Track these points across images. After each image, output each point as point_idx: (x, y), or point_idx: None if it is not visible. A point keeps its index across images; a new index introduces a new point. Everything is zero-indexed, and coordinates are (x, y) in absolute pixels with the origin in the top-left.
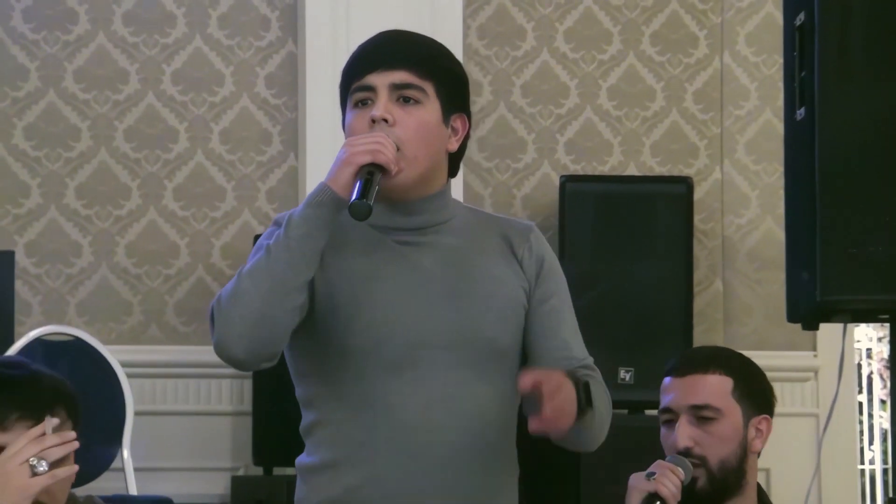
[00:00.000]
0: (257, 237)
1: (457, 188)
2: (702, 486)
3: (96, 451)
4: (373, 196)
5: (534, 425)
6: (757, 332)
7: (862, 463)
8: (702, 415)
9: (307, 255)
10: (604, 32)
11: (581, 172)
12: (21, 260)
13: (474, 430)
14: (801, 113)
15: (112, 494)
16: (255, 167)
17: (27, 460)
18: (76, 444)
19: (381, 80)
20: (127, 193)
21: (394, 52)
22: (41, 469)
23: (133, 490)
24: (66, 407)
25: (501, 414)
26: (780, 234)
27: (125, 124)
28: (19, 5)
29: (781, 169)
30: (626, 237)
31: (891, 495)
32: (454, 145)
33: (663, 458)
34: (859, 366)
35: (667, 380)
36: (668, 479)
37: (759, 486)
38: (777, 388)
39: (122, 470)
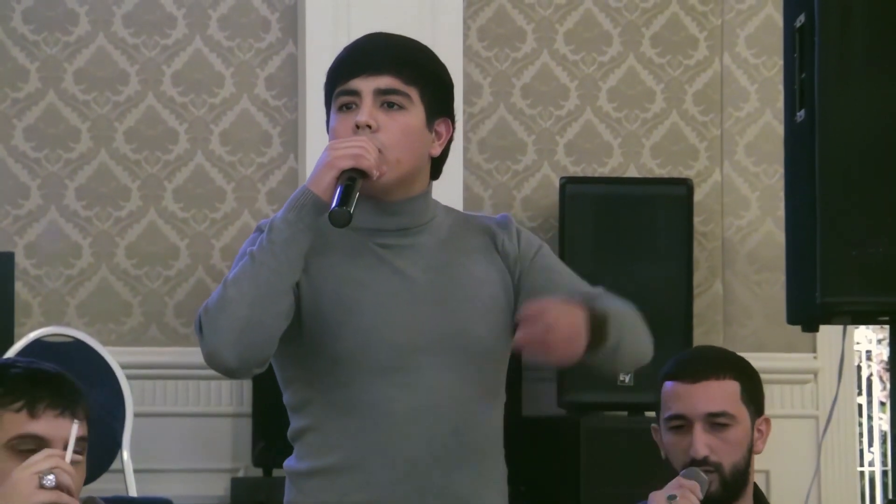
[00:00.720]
0: None
1: (456, 190)
2: (714, 491)
3: (96, 453)
4: (353, 203)
5: (524, 348)
6: (757, 334)
7: (861, 465)
8: (717, 422)
9: (291, 259)
10: (604, 34)
11: (581, 174)
12: (21, 261)
13: (463, 432)
14: (801, 115)
15: (112, 496)
16: (255, 168)
17: (37, 472)
18: (82, 478)
19: (366, 85)
20: (127, 195)
21: (379, 57)
22: (47, 483)
23: (133, 491)
24: (84, 408)
25: (489, 415)
26: (780, 236)
27: (125, 125)
28: (20, 6)
29: (781, 170)
30: (626, 239)
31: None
32: (437, 150)
33: (663, 461)
34: (859, 368)
35: (672, 385)
36: (690, 501)
37: (755, 485)
38: (777, 389)
39: (122, 471)
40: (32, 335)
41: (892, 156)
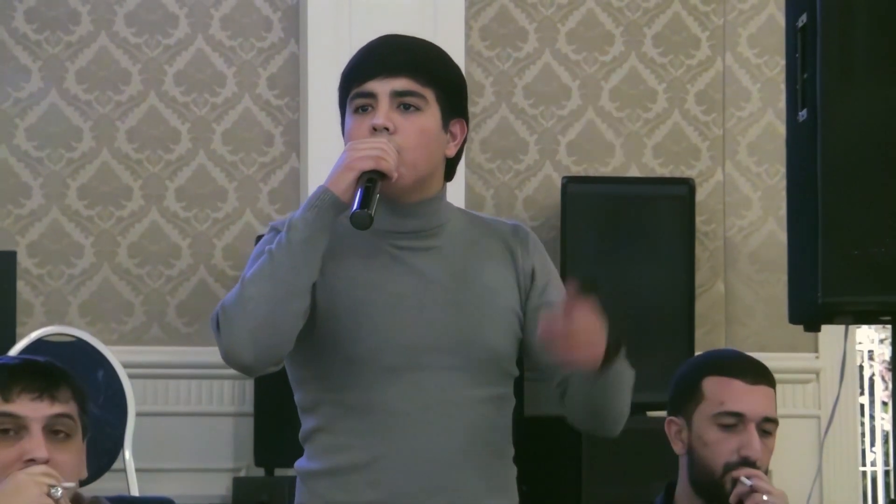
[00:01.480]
0: (259, 238)
1: (458, 190)
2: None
3: (98, 452)
4: (374, 206)
5: (547, 340)
6: (759, 334)
7: (863, 465)
8: (766, 427)
9: (309, 258)
10: (606, 34)
11: (583, 174)
12: (23, 260)
13: (472, 433)
14: (803, 114)
15: (114, 495)
16: (257, 168)
17: (46, 482)
18: (74, 456)
19: (382, 87)
20: (129, 194)
21: (395, 59)
22: (56, 494)
23: (135, 491)
24: (72, 389)
25: (498, 417)
26: (782, 236)
27: (127, 125)
28: (22, 6)
29: (783, 170)
30: (628, 239)
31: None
32: (452, 150)
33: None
34: (861, 367)
35: (729, 381)
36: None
37: None
38: (779, 389)
39: (124, 471)
40: (34, 335)
41: (893, 155)
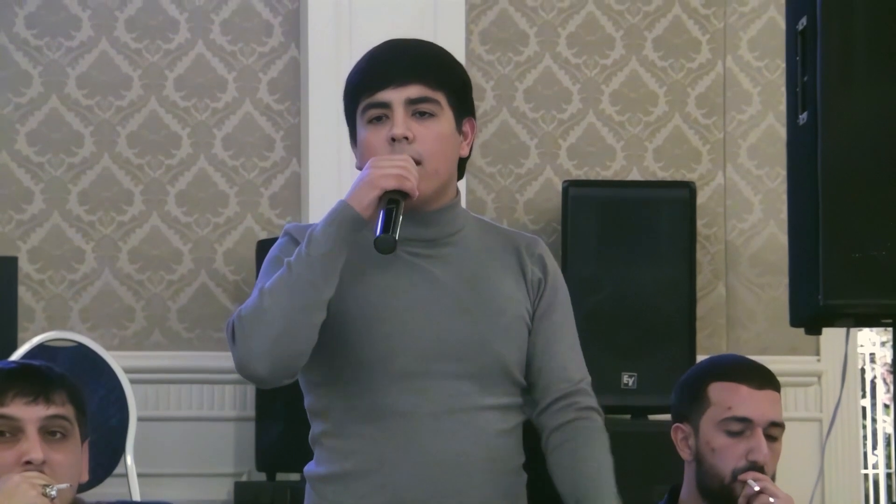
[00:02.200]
0: (260, 243)
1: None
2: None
3: (99, 458)
4: (398, 229)
5: None
6: (760, 337)
7: (865, 468)
8: (773, 433)
9: (328, 273)
10: (606, 37)
11: (584, 177)
12: (24, 266)
13: (481, 440)
14: (803, 117)
15: (115, 500)
16: (258, 173)
17: (41, 484)
18: (70, 457)
19: (396, 96)
20: (130, 199)
21: (404, 66)
22: (51, 493)
23: (136, 496)
24: (68, 392)
25: (506, 424)
26: (783, 239)
27: (128, 130)
28: (22, 11)
29: (784, 173)
30: (629, 242)
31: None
32: (466, 150)
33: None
34: (862, 370)
35: (736, 386)
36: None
37: None
38: (780, 392)
39: (126, 476)
40: (36, 340)
41: (894, 158)
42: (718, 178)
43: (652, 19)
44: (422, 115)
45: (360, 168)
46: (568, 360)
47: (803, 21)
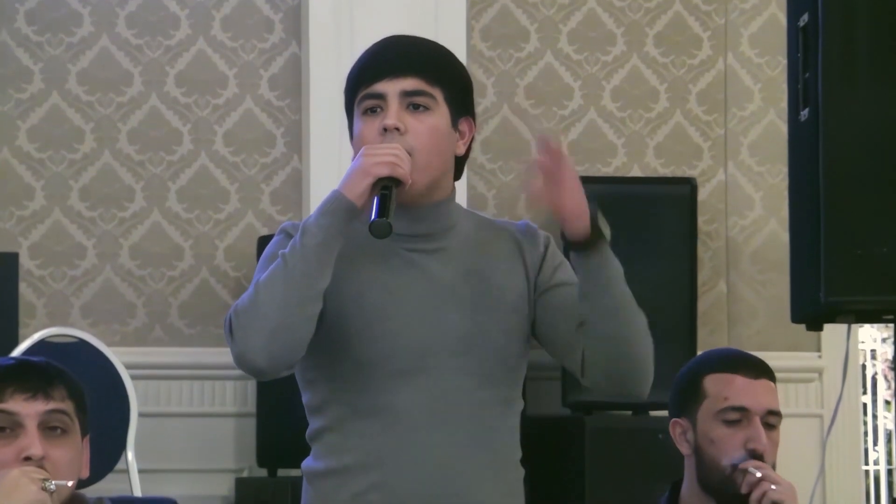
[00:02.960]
0: (261, 239)
1: (460, 190)
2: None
3: (100, 453)
4: (392, 214)
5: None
6: (761, 334)
7: (866, 464)
8: (770, 421)
9: (323, 263)
10: (607, 34)
11: (585, 174)
12: (25, 262)
13: (479, 436)
14: (804, 114)
15: (116, 496)
16: (259, 169)
17: (40, 479)
18: (70, 452)
19: (392, 88)
20: (131, 195)
21: (403, 59)
22: (50, 487)
23: (137, 492)
24: (67, 387)
25: (505, 419)
26: (785, 236)
27: (129, 126)
28: (23, 7)
29: (785, 170)
30: (630, 239)
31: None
32: (462, 149)
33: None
34: (864, 367)
35: (731, 377)
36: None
37: None
38: (781, 388)
39: (127, 472)
40: (37, 336)
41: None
42: (719, 175)
43: (653, 16)
44: (416, 107)
45: None
46: None
47: (805, 17)
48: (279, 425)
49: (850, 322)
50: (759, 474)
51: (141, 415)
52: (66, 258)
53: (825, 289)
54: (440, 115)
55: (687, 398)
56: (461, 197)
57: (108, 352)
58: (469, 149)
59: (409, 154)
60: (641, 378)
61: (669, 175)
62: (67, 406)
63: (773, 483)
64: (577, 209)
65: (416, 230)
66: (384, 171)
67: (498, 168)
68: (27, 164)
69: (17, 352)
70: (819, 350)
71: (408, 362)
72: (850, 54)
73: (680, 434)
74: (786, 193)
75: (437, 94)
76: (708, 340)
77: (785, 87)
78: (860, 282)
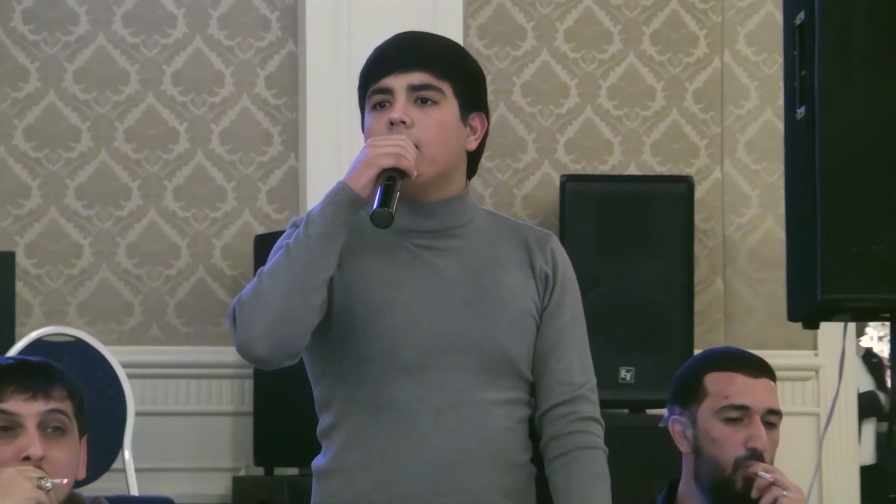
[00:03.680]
0: (258, 237)
1: None
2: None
3: (97, 452)
4: (395, 204)
5: None
6: (758, 332)
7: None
8: (771, 420)
9: (327, 253)
10: (604, 32)
11: (581, 172)
12: (21, 261)
13: (484, 435)
14: (801, 111)
15: (113, 495)
16: (256, 167)
17: (35, 477)
18: (69, 452)
19: (399, 82)
20: (127, 194)
21: (410, 54)
22: (46, 485)
23: (134, 491)
24: (66, 387)
25: (511, 419)
26: (781, 234)
27: (125, 125)
28: (20, 6)
29: (782, 168)
30: (627, 237)
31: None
32: (473, 144)
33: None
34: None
35: (732, 376)
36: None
37: None
38: (778, 387)
39: (124, 471)
40: (33, 335)
41: (892, 152)
42: (716, 173)
43: (649, 14)
44: (423, 101)
45: None
46: (573, 363)
47: (801, 15)
48: (276, 424)
49: (846, 320)
50: (769, 478)
51: (137, 414)
52: (63, 257)
53: (821, 287)
54: (448, 109)
55: (687, 396)
56: None
57: (105, 350)
58: (482, 145)
59: (417, 147)
60: None
61: (666, 173)
62: (67, 406)
63: (784, 489)
64: None
65: (425, 226)
66: (389, 162)
67: (495, 166)
68: (23, 163)
69: (13, 351)
70: (816, 348)
71: (412, 360)
72: (846, 52)
73: (680, 432)
74: (782, 191)
75: (446, 88)
76: (704, 338)
77: (781, 84)
78: (857, 280)
